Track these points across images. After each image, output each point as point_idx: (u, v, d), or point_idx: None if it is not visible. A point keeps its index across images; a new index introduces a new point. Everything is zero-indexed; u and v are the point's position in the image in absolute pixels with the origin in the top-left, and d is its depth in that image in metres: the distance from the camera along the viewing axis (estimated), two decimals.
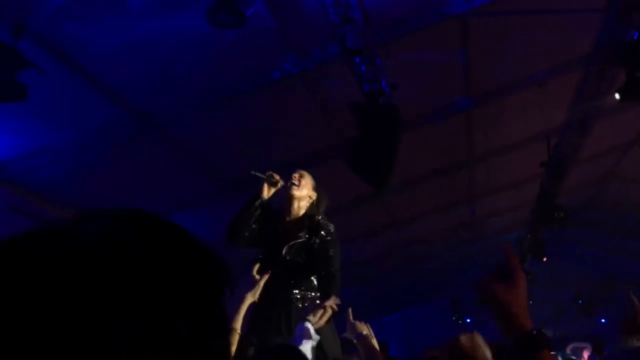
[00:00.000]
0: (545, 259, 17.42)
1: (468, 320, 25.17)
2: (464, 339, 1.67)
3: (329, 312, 4.62)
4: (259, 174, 5.39)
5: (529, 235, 16.92)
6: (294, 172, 5.54)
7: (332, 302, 4.69)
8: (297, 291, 5.14)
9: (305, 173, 5.58)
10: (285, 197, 5.47)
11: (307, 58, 8.53)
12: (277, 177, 5.40)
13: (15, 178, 8.99)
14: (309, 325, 4.03)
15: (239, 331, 3.29)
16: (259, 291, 3.62)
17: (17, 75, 6.46)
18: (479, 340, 2.15)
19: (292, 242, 5.28)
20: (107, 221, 0.70)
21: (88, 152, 8.80)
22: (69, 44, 7.11)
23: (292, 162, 10.17)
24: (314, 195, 5.54)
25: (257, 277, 3.74)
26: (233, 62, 8.13)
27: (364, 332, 4.09)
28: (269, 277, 4.76)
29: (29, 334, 0.61)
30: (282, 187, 5.44)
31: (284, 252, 5.26)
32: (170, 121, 8.82)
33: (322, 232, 5.28)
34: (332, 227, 5.37)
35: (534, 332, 1.56)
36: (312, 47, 8.46)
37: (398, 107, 8.59)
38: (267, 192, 5.41)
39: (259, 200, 5.41)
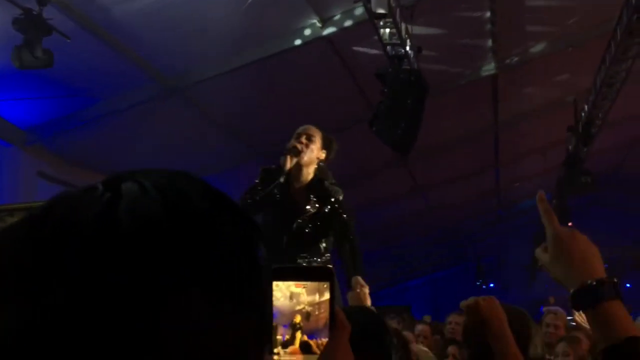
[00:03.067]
0: (570, 224, 17.31)
1: (492, 285, 25.20)
2: (482, 300, 1.66)
3: (366, 291, 4.69)
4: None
5: (554, 201, 16.81)
6: (301, 134, 5.15)
7: (361, 280, 4.72)
8: (303, 258, 5.06)
9: (312, 131, 5.18)
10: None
11: (332, 22, 8.48)
12: (298, 146, 5.08)
13: (43, 144, 9.10)
14: None
15: None
16: None
17: (43, 42, 6.51)
18: (497, 302, 2.15)
19: (304, 216, 5.11)
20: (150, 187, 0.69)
21: (114, 117, 8.87)
22: (92, 9, 7.13)
23: (316, 126, 10.16)
24: (322, 155, 5.17)
25: None
26: (257, 26, 8.11)
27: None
28: (276, 246, 4.81)
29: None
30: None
31: (294, 225, 5.09)
32: (195, 86, 8.83)
33: (332, 199, 5.11)
34: (340, 194, 5.16)
35: (595, 283, 1.43)
36: (336, 10, 8.40)
37: (422, 71, 8.52)
38: (289, 164, 5.05)
39: (284, 177, 5.10)
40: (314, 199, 5.12)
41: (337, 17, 8.46)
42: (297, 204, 5.14)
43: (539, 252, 1.58)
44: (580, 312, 1.40)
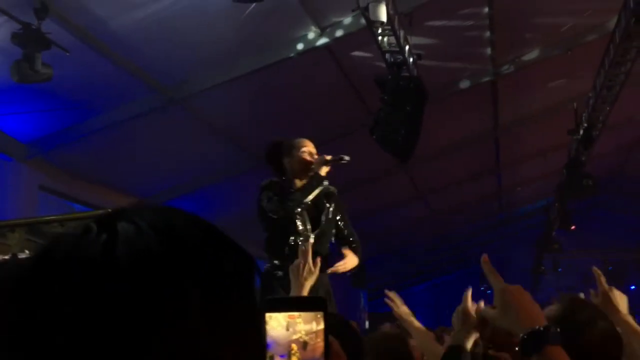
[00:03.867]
0: (573, 227, 17.30)
1: None
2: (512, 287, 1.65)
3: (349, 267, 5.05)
4: (336, 159, 5.20)
5: (556, 204, 16.81)
6: (313, 149, 5.29)
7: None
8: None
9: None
10: (298, 168, 5.26)
11: (330, 30, 8.49)
12: (346, 157, 5.21)
13: (44, 157, 9.11)
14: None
15: None
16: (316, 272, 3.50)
17: (42, 56, 6.52)
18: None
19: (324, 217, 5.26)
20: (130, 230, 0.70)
21: (114, 129, 8.88)
22: (90, 22, 7.14)
23: (316, 134, 10.18)
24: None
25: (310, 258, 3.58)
26: (256, 35, 8.12)
27: None
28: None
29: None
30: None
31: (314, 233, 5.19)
32: (195, 95, 8.84)
33: (332, 196, 5.29)
34: (334, 189, 5.30)
35: (543, 328, 1.56)
36: (335, 18, 8.41)
37: (421, 78, 8.53)
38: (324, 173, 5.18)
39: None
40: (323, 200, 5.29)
41: (336, 25, 8.47)
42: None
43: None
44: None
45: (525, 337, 1.55)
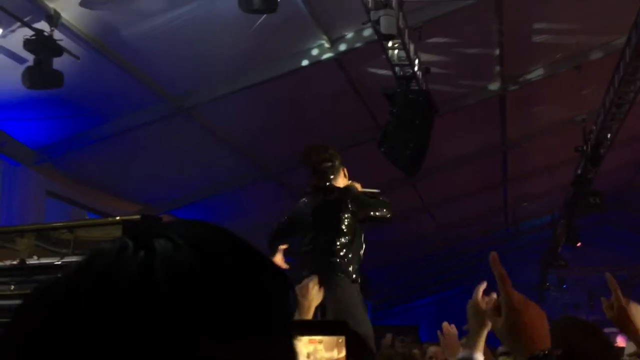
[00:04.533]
0: (579, 244, 17.24)
1: None
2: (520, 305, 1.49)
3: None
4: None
5: (562, 220, 16.76)
6: None
7: None
8: None
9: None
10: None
11: (341, 42, 8.51)
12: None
13: (52, 163, 9.14)
14: None
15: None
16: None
17: (53, 63, 6.56)
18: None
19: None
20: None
21: (123, 136, 8.91)
22: (102, 30, 7.19)
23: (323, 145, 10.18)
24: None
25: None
26: (266, 46, 8.15)
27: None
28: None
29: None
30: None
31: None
32: (204, 105, 8.87)
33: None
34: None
35: (545, 354, 1.50)
36: (345, 31, 8.44)
37: (430, 91, 8.54)
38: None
39: None
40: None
41: (346, 37, 8.50)
42: None
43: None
44: None
45: None
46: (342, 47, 8.54)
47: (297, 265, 4.20)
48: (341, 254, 4.93)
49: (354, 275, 4.93)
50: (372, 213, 5.12)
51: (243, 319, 0.68)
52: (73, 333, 0.65)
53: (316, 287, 3.40)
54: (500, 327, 1.57)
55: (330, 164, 5.10)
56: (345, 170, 5.21)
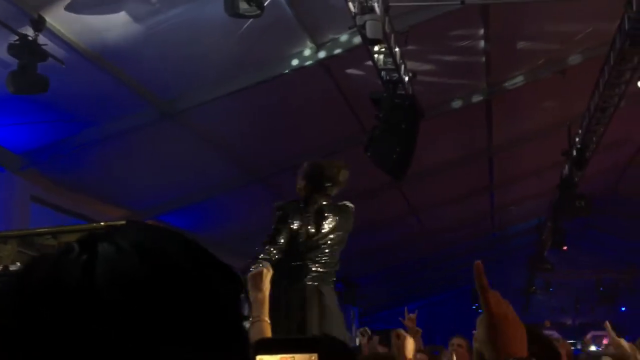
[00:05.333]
0: (565, 248, 17.32)
1: None
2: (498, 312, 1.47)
3: None
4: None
5: (548, 224, 16.84)
6: None
7: None
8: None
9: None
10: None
11: (327, 46, 8.52)
12: None
13: (38, 168, 9.08)
14: None
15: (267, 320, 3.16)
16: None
17: (39, 68, 6.52)
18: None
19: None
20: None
21: (109, 141, 8.87)
22: (87, 34, 7.15)
23: (310, 150, 10.19)
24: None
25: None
26: (253, 51, 8.14)
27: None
28: None
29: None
30: None
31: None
32: (191, 110, 8.84)
33: None
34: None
35: None
36: (331, 35, 8.44)
37: (416, 96, 8.56)
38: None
39: None
40: None
41: (332, 42, 8.50)
42: None
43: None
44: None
45: None
46: (329, 51, 8.54)
47: (276, 274, 4.21)
48: (336, 267, 5.17)
49: (333, 283, 5.16)
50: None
51: (186, 324, 0.67)
52: (15, 336, 0.64)
53: (269, 277, 3.28)
54: (479, 336, 1.57)
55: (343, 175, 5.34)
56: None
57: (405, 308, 6.30)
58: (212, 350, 0.68)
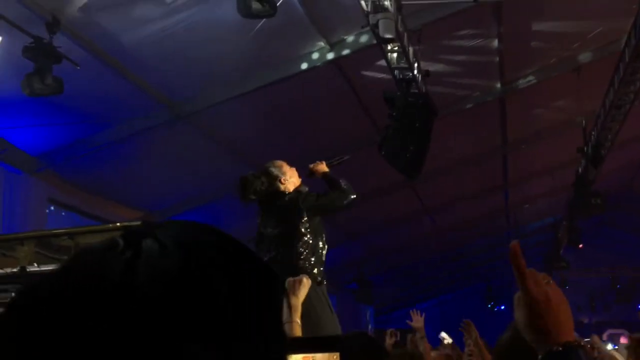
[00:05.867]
0: (580, 246, 17.22)
1: (502, 307, 25.02)
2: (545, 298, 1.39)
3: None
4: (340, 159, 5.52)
5: (564, 222, 16.75)
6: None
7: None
8: None
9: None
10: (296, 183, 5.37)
11: (340, 46, 8.52)
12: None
13: (54, 170, 9.14)
14: None
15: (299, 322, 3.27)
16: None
17: (53, 70, 6.56)
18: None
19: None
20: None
21: (123, 143, 8.91)
22: (101, 37, 7.19)
23: (324, 149, 10.19)
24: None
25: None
26: (265, 51, 8.15)
27: None
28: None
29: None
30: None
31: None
32: (204, 111, 8.87)
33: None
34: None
35: (563, 349, 1.39)
36: (344, 34, 8.44)
37: (430, 94, 8.54)
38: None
39: None
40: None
41: (345, 41, 8.50)
42: None
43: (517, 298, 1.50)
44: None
45: (546, 358, 1.40)
46: (341, 51, 8.54)
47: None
48: (302, 257, 5.02)
49: (318, 278, 4.99)
50: (323, 209, 5.22)
51: (225, 324, 0.67)
52: (55, 331, 0.65)
53: (307, 284, 3.39)
54: (519, 320, 1.46)
55: (262, 182, 5.27)
56: (290, 171, 5.29)
57: (411, 311, 6.27)
58: (252, 350, 0.69)
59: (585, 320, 23.79)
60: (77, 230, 4.12)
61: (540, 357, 1.40)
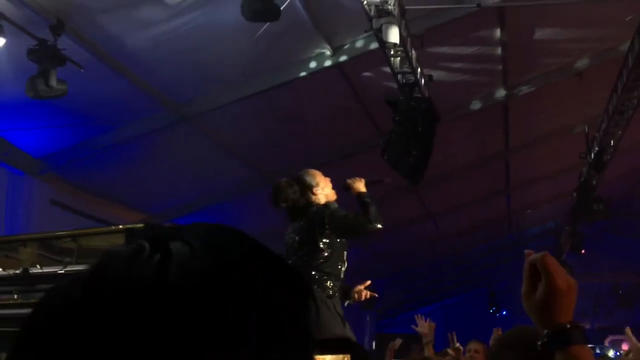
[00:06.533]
0: (583, 251, 17.19)
1: (505, 312, 24.99)
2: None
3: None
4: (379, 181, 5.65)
5: (566, 227, 16.73)
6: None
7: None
8: None
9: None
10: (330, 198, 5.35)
11: (343, 50, 8.53)
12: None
13: (57, 172, 9.16)
14: None
15: None
16: None
17: (57, 72, 6.58)
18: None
19: None
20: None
21: (126, 145, 8.93)
22: (105, 39, 7.21)
23: (327, 153, 10.20)
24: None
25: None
26: (269, 54, 8.16)
27: None
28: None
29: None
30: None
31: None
32: (207, 114, 8.88)
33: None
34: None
35: (566, 326, 1.53)
36: (347, 39, 8.45)
37: (433, 99, 8.55)
38: None
39: None
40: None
41: (348, 45, 8.51)
42: None
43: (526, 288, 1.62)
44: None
45: (551, 334, 1.53)
46: (345, 55, 8.55)
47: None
48: (318, 269, 5.05)
49: (330, 291, 5.01)
50: (345, 231, 5.21)
51: (257, 329, 0.67)
52: (87, 335, 0.64)
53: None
54: (537, 301, 1.58)
55: (295, 190, 5.23)
56: (324, 181, 5.28)
57: (416, 315, 6.26)
58: (280, 353, 0.68)
59: (588, 326, 23.74)
60: (80, 233, 4.13)
61: (547, 332, 1.53)
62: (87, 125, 8.39)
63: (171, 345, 0.64)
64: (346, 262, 5.24)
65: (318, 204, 5.17)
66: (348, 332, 4.97)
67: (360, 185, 5.28)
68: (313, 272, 5.00)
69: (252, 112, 9.23)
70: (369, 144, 10.11)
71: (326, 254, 5.10)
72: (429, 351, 5.90)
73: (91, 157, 9.01)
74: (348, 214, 5.15)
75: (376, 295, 5.61)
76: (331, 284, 5.05)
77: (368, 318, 22.35)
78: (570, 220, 15.37)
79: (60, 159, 8.95)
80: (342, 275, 5.20)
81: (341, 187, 5.33)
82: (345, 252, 5.24)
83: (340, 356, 0.98)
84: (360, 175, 5.43)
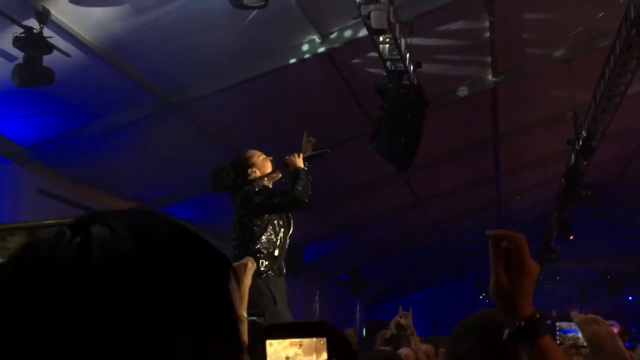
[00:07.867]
0: (571, 237, 17.28)
1: None
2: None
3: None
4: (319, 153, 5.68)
5: (555, 213, 16.80)
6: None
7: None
8: None
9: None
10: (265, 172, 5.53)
11: (331, 38, 8.50)
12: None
13: (43, 161, 9.11)
14: None
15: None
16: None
17: (44, 60, 6.53)
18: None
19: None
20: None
21: (114, 133, 8.89)
22: (92, 27, 7.15)
23: (316, 141, 10.17)
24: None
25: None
26: (257, 42, 8.14)
27: None
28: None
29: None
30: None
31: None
32: (195, 101, 8.85)
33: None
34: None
35: (536, 317, 1.54)
36: (336, 26, 8.42)
37: (421, 86, 8.54)
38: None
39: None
40: None
41: (337, 33, 8.49)
42: None
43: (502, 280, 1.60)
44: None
45: (521, 327, 1.53)
46: (333, 42, 8.52)
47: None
48: (250, 248, 5.16)
49: (261, 268, 5.07)
50: (270, 209, 5.33)
51: (175, 303, 0.68)
52: (15, 316, 0.66)
53: (253, 268, 3.33)
54: (505, 284, 1.58)
55: (229, 173, 5.48)
56: (262, 161, 5.47)
57: (400, 306, 6.20)
58: (205, 333, 0.70)
59: (576, 312, 23.88)
60: (67, 221, 4.10)
61: (517, 324, 1.53)
62: (75, 113, 8.34)
63: (97, 321, 0.65)
64: (283, 240, 5.36)
65: (251, 186, 5.29)
66: (283, 312, 5.03)
67: (298, 161, 5.38)
68: (248, 252, 5.06)
69: (241, 99, 9.19)
70: (359, 132, 10.10)
71: (256, 234, 5.24)
72: (415, 343, 5.84)
73: (79, 146, 8.96)
74: (272, 192, 5.32)
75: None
76: (263, 263, 5.14)
77: (357, 306, 22.45)
78: (559, 206, 15.43)
79: (48, 148, 8.89)
80: (277, 253, 5.29)
81: (281, 165, 5.43)
82: (282, 230, 5.35)
83: (315, 339, 1.00)
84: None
